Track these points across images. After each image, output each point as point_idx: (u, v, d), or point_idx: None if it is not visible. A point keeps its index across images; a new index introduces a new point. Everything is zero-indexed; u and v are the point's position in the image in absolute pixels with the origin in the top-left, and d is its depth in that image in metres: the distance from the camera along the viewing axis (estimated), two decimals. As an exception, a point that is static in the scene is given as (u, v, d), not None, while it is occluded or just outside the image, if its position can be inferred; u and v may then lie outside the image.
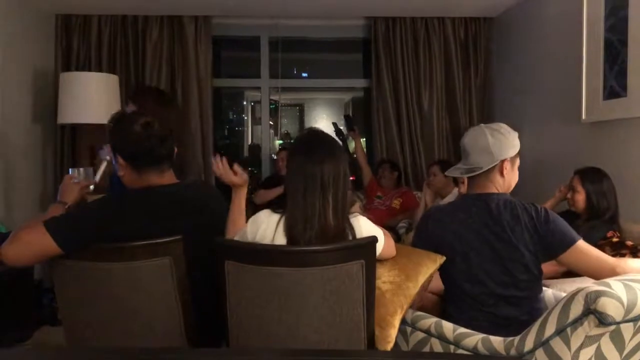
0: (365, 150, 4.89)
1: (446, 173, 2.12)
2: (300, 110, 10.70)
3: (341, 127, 4.91)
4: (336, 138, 4.55)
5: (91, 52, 4.48)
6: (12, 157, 3.84)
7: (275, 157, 4.56)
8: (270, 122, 5.38)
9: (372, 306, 1.62)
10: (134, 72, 4.55)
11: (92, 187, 1.98)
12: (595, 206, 2.72)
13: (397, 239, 4.17)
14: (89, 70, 4.44)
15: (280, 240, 1.66)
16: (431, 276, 1.84)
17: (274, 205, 1.72)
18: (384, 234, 1.82)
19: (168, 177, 1.84)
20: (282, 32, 5.07)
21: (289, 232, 1.64)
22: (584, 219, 2.75)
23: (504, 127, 2.01)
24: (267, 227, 1.69)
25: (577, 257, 1.86)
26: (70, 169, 2.00)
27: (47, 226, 1.64)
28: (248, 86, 5.59)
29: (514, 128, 4.28)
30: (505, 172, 1.95)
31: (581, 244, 1.87)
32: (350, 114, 4.80)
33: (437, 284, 1.96)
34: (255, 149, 8.20)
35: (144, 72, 4.54)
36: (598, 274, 1.79)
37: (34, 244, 1.64)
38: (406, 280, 1.75)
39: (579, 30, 3.38)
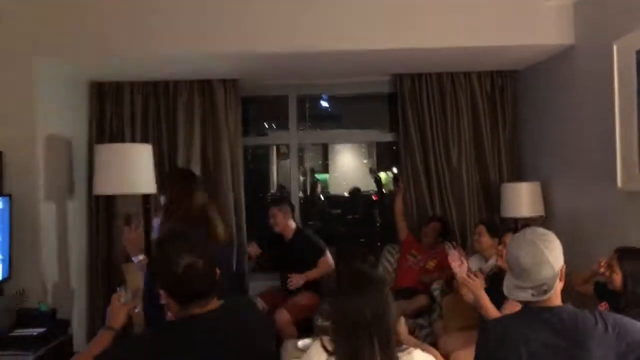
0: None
1: (517, 299, 1.94)
2: (324, 147, 10.79)
3: (379, 176, 4.91)
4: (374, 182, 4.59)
5: (124, 118, 4.59)
6: (50, 228, 3.92)
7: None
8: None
9: None
10: (167, 136, 4.63)
11: (137, 309, 2.01)
12: (630, 291, 2.64)
13: (432, 301, 4.15)
14: (123, 137, 4.55)
15: None
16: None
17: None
18: (437, 357, 1.80)
19: (212, 304, 1.86)
20: (309, 91, 5.13)
21: None
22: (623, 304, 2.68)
23: (548, 233, 1.99)
24: None
25: None
26: (117, 288, 2.04)
27: None
28: (277, 143, 5.64)
29: (546, 184, 4.30)
30: (562, 277, 1.92)
31: None
32: (396, 172, 4.81)
33: None
34: (282, 190, 8.24)
35: (177, 136, 4.62)
36: None
37: None
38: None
39: (610, 92, 3.34)
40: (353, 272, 1.80)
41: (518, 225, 4.38)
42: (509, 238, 3.36)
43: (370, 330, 1.65)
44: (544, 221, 4.26)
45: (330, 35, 3.83)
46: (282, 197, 5.38)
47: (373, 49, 3.88)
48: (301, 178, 8.26)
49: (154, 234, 3.39)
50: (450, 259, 3.62)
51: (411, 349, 1.75)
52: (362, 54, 3.99)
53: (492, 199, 4.75)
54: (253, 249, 4.45)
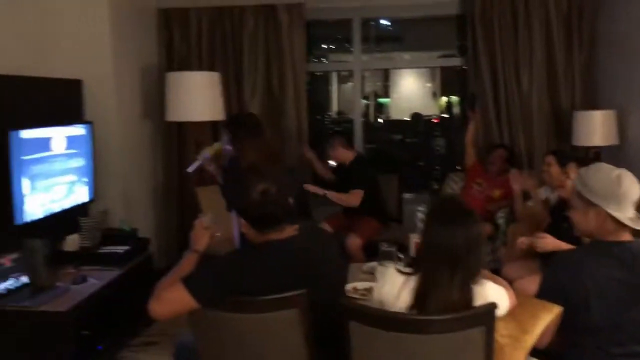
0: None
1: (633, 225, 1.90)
2: (385, 70, 10.56)
3: (475, 94, 4.75)
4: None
5: (191, 46, 4.66)
6: (127, 153, 4.13)
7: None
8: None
9: (491, 367, 1.70)
10: (232, 64, 4.69)
11: (219, 232, 2.14)
12: None
13: (496, 228, 4.17)
14: (189, 64, 4.63)
15: (404, 300, 1.75)
16: (547, 327, 1.87)
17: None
18: (507, 290, 1.85)
19: (287, 231, 1.96)
20: (374, 13, 5.00)
21: (418, 298, 1.72)
22: None
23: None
24: (393, 285, 1.80)
25: None
26: (199, 214, 2.16)
27: (186, 284, 1.82)
28: (340, 69, 5.58)
29: (622, 113, 4.13)
30: None
31: None
32: (474, 93, 4.64)
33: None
34: (341, 117, 8.23)
35: (242, 63, 4.67)
36: None
37: (176, 301, 1.83)
38: (524, 333, 1.80)
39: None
40: (448, 204, 1.86)
41: (589, 154, 4.27)
42: (573, 169, 3.29)
43: (459, 262, 1.71)
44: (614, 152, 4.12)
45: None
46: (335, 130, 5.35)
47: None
48: (362, 102, 8.21)
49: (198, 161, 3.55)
50: (511, 178, 3.61)
51: (484, 280, 1.80)
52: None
53: (562, 127, 4.60)
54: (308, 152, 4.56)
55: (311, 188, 4.22)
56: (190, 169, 3.60)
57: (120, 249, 3.48)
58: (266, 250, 1.91)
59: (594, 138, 4.17)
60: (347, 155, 4.36)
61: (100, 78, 3.85)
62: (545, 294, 1.96)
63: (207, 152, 3.56)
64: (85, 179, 3.62)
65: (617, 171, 1.93)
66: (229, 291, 1.83)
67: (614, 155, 4.26)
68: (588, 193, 1.92)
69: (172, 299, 1.84)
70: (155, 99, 4.54)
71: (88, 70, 3.79)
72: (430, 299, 1.70)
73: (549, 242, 2.84)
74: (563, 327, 1.93)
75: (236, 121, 3.61)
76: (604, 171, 1.95)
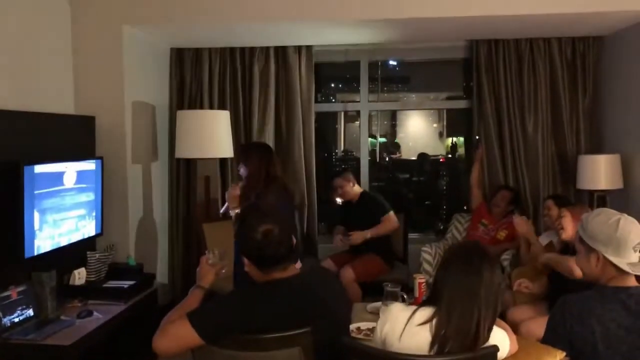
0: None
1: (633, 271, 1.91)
2: (392, 113, 10.70)
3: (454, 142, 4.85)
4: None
5: (202, 84, 4.75)
6: (136, 188, 4.19)
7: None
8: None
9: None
10: (242, 102, 4.78)
11: (224, 269, 2.17)
12: None
13: (502, 271, 4.15)
14: (201, 102, 4.73)
15: (412, 335, 1.77)
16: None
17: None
18: (509, 334, 1.87)
19: (290, 270, 1.99)
20: (381, 56, 5.12)
21: (438, 334, 1.74)
22: None
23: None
24: (396, 322, 1.81)
25: None
26: (206, 251, 2.20)
27: (191, 320, 1.84)
28: (348, 110, 5.67)
29: (626, 158, 4.18)
30: None
31: None
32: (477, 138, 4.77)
33: None
34: (347, 155, 8.26)
35: (252, 102, 4.76)
36: None
37: (179, 337, 1.85)
38: (525, 379, 1.80)
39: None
40: (471, 248, 1.88)
41: (594, 197, 4.29)
42: (567, 213, 3.30)
43: (485, 302, 1.73)
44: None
45: (410, 2, 3.81)
46: (344, 168, 5.41)
47: (451, 16, 3.83)
48: (369, 141, 8.27)
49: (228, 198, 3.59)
50: (515, 223, 3.63)
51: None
52: (439, 21, 3.95)
53: (567, 170, 4.65)
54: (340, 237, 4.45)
55: (354, 238, 4.24)
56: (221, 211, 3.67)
57: (126, 283, 3.50)
58: (270, 289, 1.94)
59: (599, 182, 4.20)
60: (357, 192, 4.42)
61: (113, 114, 3.95)
62: (551, 337, 1.95)
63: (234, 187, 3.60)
64: (94, 213, 3.67)
65: (616, 216, 1.94)
66: (233, 328, 1.85)
67: (619, 199, 4.28)
68: (587, 238, 1.95)
69: (176, 335, 1.86)
70: (165, 136, 4.62)
71: (102, 106, 3.89)
72: (457, 339, 1.72)
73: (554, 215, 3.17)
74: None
75: (244, 145, 3.78)
76: (603, 216, 1.96)
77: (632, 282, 1.92)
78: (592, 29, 4.39)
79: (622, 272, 1.90)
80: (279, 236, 1.94)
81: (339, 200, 4.56)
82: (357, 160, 5.57)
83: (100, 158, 3.72)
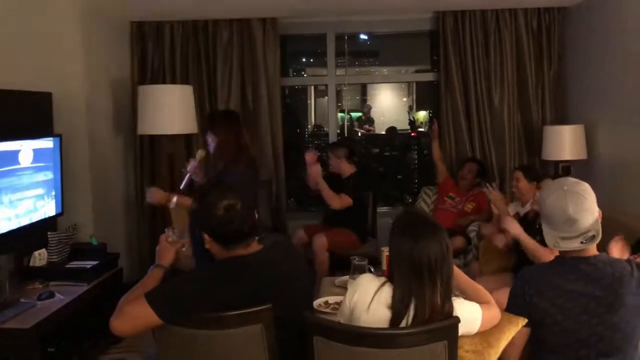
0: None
1: (564, 248, 1.90)
2: (362, 85, 10.65)
3: (413, 117, 4.87)
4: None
5: (165, 59, 4.64)
6: (97, 166, 4.08)
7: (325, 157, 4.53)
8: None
9: (453, 381, 1.70)
10: (206, 77, 4.68)
11: (185, 247, 2.11)
12: None
13: (468, 242, 4.20)
14: (164, 77, 4.62)
15: (377, 308, 1.76)
16: (514, 342, 1.88)
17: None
18: (484, 306, 1.86)
19: (253, 246, 1.95)
20: (348, 29, 5.05)
21: (396, 309, 1.73)
22: None
23: (582, 182, 1.97)
24: (365, 292, 1.80)
25: None
26: (166, 229, 2.14)
27: (149, 300, 1.79)
28: (315, 83, 5.60)
29: (590, 128, 4.23)
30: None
31: None
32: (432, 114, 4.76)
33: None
34: (317, 130, 8.23)
35: (216, 77, 4.67)
36: None
37: (137, 317, 1.80)
38: (488, 348, 1.80)
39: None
40: (414, 217, 1.86)
41: (559, 168, 4.33)
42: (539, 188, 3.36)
43: (433, 274, 1.72)
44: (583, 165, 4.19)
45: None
46: (341, 141, 5.28)
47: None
48: (339, 115, 8.23)
49: (187, 173, 3.51)
50: (487, 193, 3.64)
51: (461, 299, 1.82)
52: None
53: (533, 142, 4.69)
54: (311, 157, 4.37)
55: (316, 168, 4.16)
56: (182, 186, 3.52)
57: (89, 263, 3.43)
58: (231, 266, 1.89)
59: (563, 153, 4.24)
60: (348, 169, 4.37)
61: (71, 91, 3.81)
62: (512, 309, 1.96)
63: (194, 161, 3.52)
64: (53, 193, 3.56)
65: (558, 191, 1.92)
66: (192, 307, 1.81)
67: (582, 169, 4.34)
68: (540, 209, 1.97)
69: (134, 315, 1.81)
70: (127, 112, 4.50)
71: (59, 82, 3.74)
72: (409, 312, 1.71)
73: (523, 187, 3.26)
74: (530, 343, 1.95)
75: (212, 113, 3.68)
76: (545, 190, 1.99)
77: (592, 252, 1.93)
78: (557, -1, 4.40)
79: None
80: (241, 212, 1.90)
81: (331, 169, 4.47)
82: (327, 135, 5.53)
83: (59, 136, 3.60)
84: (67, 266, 3.43)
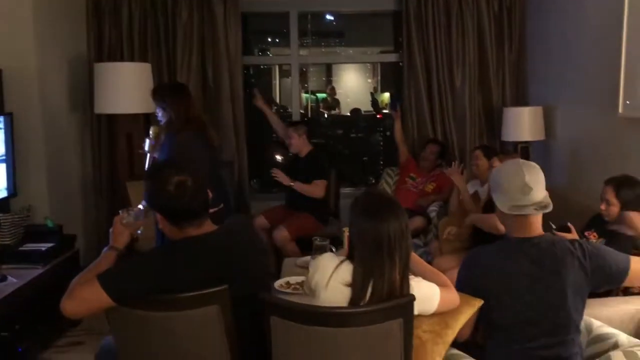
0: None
1: (517, 212, 1.92)
2: (327, 65, 10.59)
3: (377, 99, 4.88)
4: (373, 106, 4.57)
5: (123, 37, 4.50)
6: (52, 146, 3.96)
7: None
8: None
9: None
10: (165, 56, 4.57)
11: (140, 229, 2.07)
12: None
13: (428, 222, 4.24)
14: (122, 56, 4.50)
15: (335, 286, 1.76)
16: (470, 320, 1.91)
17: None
18: (443, 288, 1.88)
19: (206, 226, 1.92)
20: (311, 6, 4.99)
21: (355, 288, 1.74)
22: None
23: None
24: (324, 271, 1.81)
25: (636, 277, 2.00)
26: (120, 210, 2.09)
27: (101, 281, 1.75)
28: (278, 63, 5.54)
29: (549, 108, 4.31)
30: None
31: (633, 264, 1.98)
32: (395, 96, 4.75)
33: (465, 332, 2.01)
34: (283, 110, 8.16)
35: (175, 54, 4.56)
36: None
37: (89, 299, 1.76)
38: (445, 328, 1.83)
39: (619, 18, 3.25)
40: (374, 196, 1.87)
41: (518, 149, 4.40)
42: (498, 161, 3.42)
43: (392, 252, 1.73)
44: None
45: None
46: (301, 120, 5.28)
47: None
48: (304, 96, 8.17)
49: (145, 151, 3.44)
50: (450, 172, 3.69)
51: (418, 278, 1.84)
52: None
53: (493, 123, 4.75)
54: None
55: (279, 174, 4.20)
56: (147, 168, 3.44)
57: (44, 246, 3.34)
58: (184, 247, 1.86)
59: (522, 134, 4.31)
60: (307, 147, 4.37)
61: (23, 67, 3.66)
62: (460, 290, 1.99)
63: (150, 139, 3.44)
64: (5, 173, 3.44)
65: (507, 164, 2.00)
66: (146, 289, 1.77)
67: (540, 150, 4.43)
68: (493, 180, 2.02)
69: (86, 297, 1.77)
70: (84, 90, 4.37)
71: (9, 59, 3.60)
72: (368, 290, 1.72)
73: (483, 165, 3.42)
74: (479, 321, 1.98)
75: (158, 86, 3.64)
76: (497, 167, 2.04)
77: (536, 232, 1.97)
78: (517, -19, 4.43)
79: (523, 221, 1.94)
80: (193, 188, 1.86)
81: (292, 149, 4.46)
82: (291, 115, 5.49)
83: (9, 114, 3.47)
84: (21, 249, 3.34)
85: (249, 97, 4.89)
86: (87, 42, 4.48)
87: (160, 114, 3.31)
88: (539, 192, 1.93)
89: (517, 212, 1.92)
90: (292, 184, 4.20)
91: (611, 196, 2.69)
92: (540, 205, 1.92)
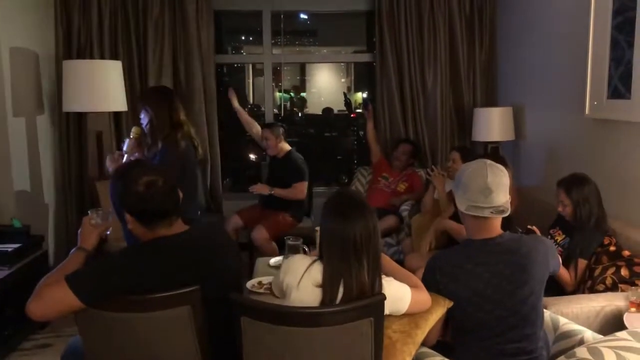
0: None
1: (474, 213, 1.94)
2: (301, 65, 10.59)
3: (350, 98, 4.91)
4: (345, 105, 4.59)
5: (92, 33, 4.42)
6: (19, 145, 3.88)
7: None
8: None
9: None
10: (137, 52, 4.52)
11: (109, 230, 2.04)
12: (578, 214, 2.76)
13: (400, 221, 4.28)
14: (91, 52, 4.42)
15: (307, 285, 1.77)
16: (440, 320, 1.93)
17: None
18: (414, 289, 1.88)
19: (177, 226, 1.91)
20: (284, 6, 4.98)
21: (325, 288, 1.74)
22: (575, 228, 2.81)
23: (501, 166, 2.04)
24: (295, 271, 1.81)
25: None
26: (89, 211, 2.06)
27: (69, 282, 1.72)
28: (251, 62, 5.52)
29: (518, 109, 4.38)
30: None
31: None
32: (367, 96, 4.78)
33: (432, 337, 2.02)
34: (256, 109, 8.14)
35: (147, 52, 4.51)
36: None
37: (57, 301, 1.73)
38: (415, 328, 1.85)
39: (586, 21, 3.33)
40: (343, 197, 1.87)
41: (488, 149, 4.47)
42: None
43: (360, 253, 1.74)
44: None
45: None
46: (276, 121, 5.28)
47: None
48: (277, 95, 8.16)
49: (124, 152, 3.39)
50: (434, 178, 3.73)
51: (390, 278, 1.85)
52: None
53: (464, 123, 4.80)
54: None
55: (257, 188, 4.22)
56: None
57: (10, 247, 3.27)
58: (154, 247, 1.84)
59: (493, 134, 4.37)
60: (283, 149, 4.35)
61: (-12, 64, 3.59)
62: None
63: (130, 140, 3.39)
64: (-30, 173, 3.37)
65: (473, 162, 2.01)
66: (115, 290, 1.75)
67: (510, 150, 4.50)
68: (457, 177, 2.04)
69: (53, 298, 1.73)
70: (52, 88, 4.29)
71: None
72: (339, 290, 1.72)
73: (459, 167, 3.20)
74: (447, 320, 2.00)
75: (144, 89, 3.62)
76: (470, 162, 2.05)
77: (497, 232, 2.00)
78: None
79: (482, 222, 1.96)
80: (163, 188, 1.85)
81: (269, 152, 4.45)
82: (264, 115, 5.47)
83: (-25, 112, 3.39)
84: (-14, 250, 3.27)
85: (223, 95, 4.86)
86: (55, 39, 4.39)
87: (143, 117, 3.27)
88: (500, 195, 1.93)
89: (474, 213, 1.94)
90: (272, 192, 4.20)
91: (563, 197, 2.81)
92: (497, 210, 1.93)
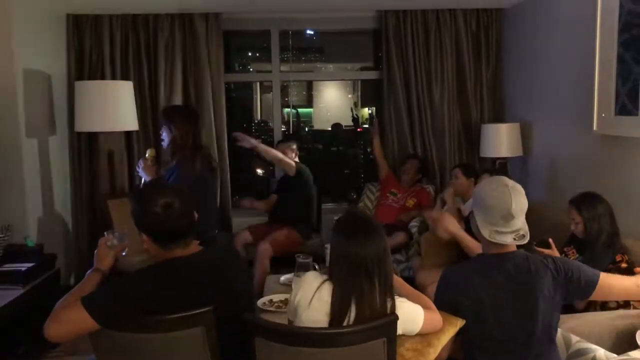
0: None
1: (498, 241, 1.95)
2: (308, 83, 10.68)
3: (357, 115, 4.95)
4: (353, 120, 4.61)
5: (104, 54, 4.50)
6: (32, 165, 3.94)
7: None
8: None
9: (392, 378, 1.74)
10: (147, 72, 4.58)
11: (125, 251, 2.07)
12: (589, 231, 2.76)
13: (410, 237, 4.28)
14: (102, 72, 4.49)
15: (318, 306, 1.78)
16: (449, 342, 1.94)
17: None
18: (427, 310, 1.89)
19: (192, 247, 1.94)
20: (292, 25, 5.04)
21: (335, 308, 1.75)
22: (586, 245, 2.81)
23: (518, 185, 2.05)
24: (307, 290, 1.82)
25: (604, 292, 2.04)
26: (105, 232, 2.09)
27: (85, 305, 1.75)
28: (260, 80, 5.58)
29: (525, 124, 4.40)
30: None
31: (602, 280, 2.02)
32: (374, 113, 4.83)
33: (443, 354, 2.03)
34: (264, 125, 8.18)
35: (157, 72, 4.57)
36: (626, 297, 2.28)
37: (73, 322, 1.76)
38: (428, 347, 1.85)
39: (592, 37, 3.35)
40: (353, 218, 1.89)
41: (496, 165, 4.48)
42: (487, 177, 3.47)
43: (371, 274, 1.75)
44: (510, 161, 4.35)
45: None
46: (289, 135, 5.34)
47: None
48: (285, 111, 8.21)
49: (139, 172, 3.43)
50: (446, 195, 3.74)
51: (403, 298, 1.86)
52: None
53: (472, 139, 4.82)
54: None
55: (241, 136, 4.15)
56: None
57: (24, 265, 3.31)
58: (170, 268, 1.87)
59: (500, 150, 4.38)
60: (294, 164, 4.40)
61: (2, 84, 3.65)
62: (438, 307, 2.01)
63: (144, 161, 3.44)
64: (-15, 193, 3.42)
65: (495, 184, 1.99)
66: (131, 311, 1.78)
67: (518, 166, 4.51)
68: (477, 201, 2.03)
69: (70, 320, 1.76)
70: (64, 108, 4.35)
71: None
72: (350, 311, 1.73)
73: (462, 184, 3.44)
74: (457, 337, 2.01)
75: (170, 107, 3.68)
76: (488, 182, 2.05)
77: (511, 248, 2.01)
78: (493, 0, 4.52)
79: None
80: (180, 209, 1.88)
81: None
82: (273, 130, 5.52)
83: (-12, 133, 3.45)
84: (1, 269, 3.30)
85: (230, 110, 4.91)
86: (67, 60, 4.46)
87: (165, 134, 3.30)
88: (520, 219, 1.96)
89: (497, 241, 1.95)
90: (257, 145, 4.15)
91: (574, 215, 2.82)
92: (518, 235, 1.95)
